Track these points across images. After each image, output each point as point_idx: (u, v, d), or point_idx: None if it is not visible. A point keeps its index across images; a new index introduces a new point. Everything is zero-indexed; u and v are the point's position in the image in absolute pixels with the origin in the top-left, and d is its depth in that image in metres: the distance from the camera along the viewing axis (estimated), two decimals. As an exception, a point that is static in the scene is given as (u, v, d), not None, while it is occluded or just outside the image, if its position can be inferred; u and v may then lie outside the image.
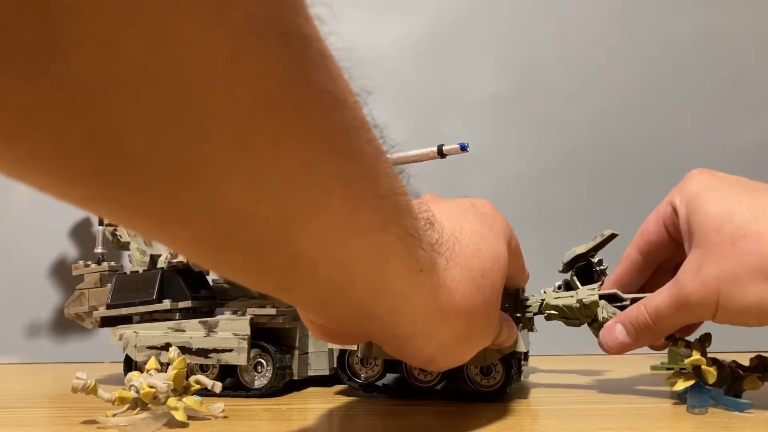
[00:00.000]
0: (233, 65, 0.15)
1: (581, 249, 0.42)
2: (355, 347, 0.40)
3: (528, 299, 0.41)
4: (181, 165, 0.16)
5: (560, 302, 0.40)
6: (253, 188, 0.17)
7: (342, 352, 0.41)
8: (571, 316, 0.40)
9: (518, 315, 0.41)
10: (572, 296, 0.40)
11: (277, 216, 0.19)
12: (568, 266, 0.42)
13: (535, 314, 0.41)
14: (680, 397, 0.37)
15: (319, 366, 0.45)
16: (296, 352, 0.44)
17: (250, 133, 0.16)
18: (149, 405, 0.34)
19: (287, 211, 0.19)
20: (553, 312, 0.40)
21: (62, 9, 0.12)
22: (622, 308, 0.40)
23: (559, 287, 0.42)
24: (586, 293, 0.40)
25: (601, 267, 0.42)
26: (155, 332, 0.44)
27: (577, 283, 0.42)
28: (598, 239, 0.42)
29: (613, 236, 0.42)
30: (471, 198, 0.34)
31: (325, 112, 0.18)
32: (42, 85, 0.13)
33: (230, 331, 0.43)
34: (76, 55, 0.13)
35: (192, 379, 0.36)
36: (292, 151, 0.17)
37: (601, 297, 0.40)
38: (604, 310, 0.40)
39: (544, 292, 0.41)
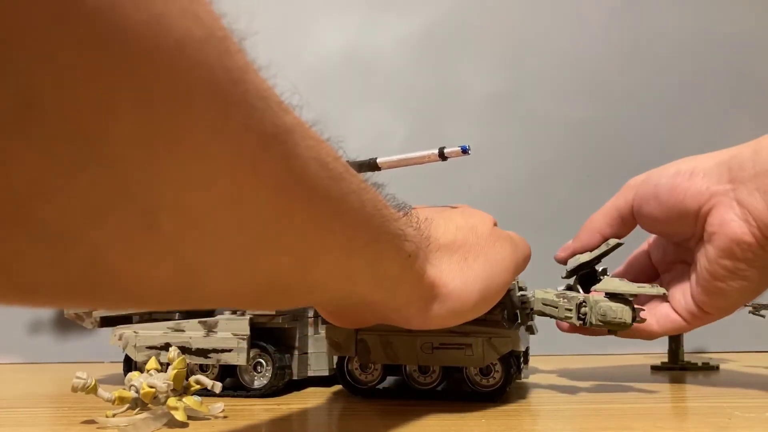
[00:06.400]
0: (253, 176, 0.18)
1: (585, 257, 0.42)
2: (353, 353, 0.40)
3: (526, 295, 0.41)
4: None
5: (548, 296, 0.40)
6: (277, 256, 0.21)
7: (341, 359, 0.41)
8: (555, 314, 0.40)
9: (516, 311, 0.41)
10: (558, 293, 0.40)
11: (297, 265, 0.23)
12: (571, 273, 0.43)
13: (532, 309, 0.41)
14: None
15: (318, 366, 0.45)
16: (296, 352, 0.44)
17: (274, 219, 0.20)
18: (149, 405, 0.34)
19: (304, 257, 0.23)
20: (540, 309, 0.40)
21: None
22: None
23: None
24: (573, 293, 0.40)
25: (606, 276, 0.42)
26: (155, 332, 0.44)
27: (579, 289, 0.42)
28: (603, 248, 0.42)
29: (618, 245, 0.42)
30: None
31: (326, 185, 0.22)
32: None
33: (230, 331, 0.43)
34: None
35: (192, 379, 0.36)
36: (303, 217, 0.21)
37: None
38: (593, 310, 0.38)
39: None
